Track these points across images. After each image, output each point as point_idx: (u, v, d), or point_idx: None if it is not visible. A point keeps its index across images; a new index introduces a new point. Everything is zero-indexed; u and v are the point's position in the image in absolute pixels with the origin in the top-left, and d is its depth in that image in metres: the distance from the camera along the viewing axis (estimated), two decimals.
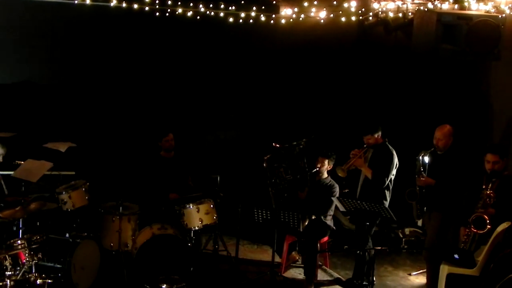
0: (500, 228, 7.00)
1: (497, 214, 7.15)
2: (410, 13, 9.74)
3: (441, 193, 7.86)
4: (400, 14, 9.88)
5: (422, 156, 7.97)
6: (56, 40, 10.74)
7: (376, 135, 8.39)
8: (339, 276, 8.82)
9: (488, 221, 7.09)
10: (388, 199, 8.32)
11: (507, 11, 8.55)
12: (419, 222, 9.58)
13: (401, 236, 10.14)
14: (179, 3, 9.79)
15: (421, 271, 8.98)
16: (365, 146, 8.43)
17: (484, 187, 7.34)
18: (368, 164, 8.41)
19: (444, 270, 7.19)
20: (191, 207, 8.32)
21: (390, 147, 8.38)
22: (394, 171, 8.32)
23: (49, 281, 6.82)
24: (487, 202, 7.24)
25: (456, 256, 7.12)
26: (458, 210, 7.90)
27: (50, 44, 10.75)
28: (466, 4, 8.69)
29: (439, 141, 7.92)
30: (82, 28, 10.65)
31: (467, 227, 7.31)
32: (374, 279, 7.62)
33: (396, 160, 8.31)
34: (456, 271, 7.12)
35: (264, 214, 7.83)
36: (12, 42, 10.59)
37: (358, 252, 8.07)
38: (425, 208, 8.07)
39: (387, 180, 8.25)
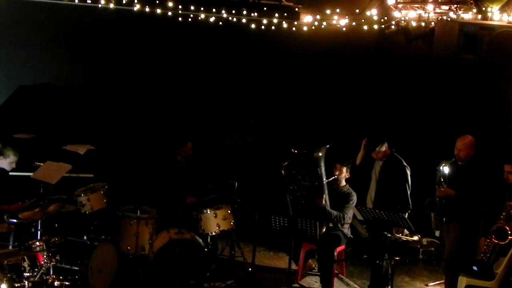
0: None
1: None
2: (432, 23, 9.69)
3: (461, 204, 7.80)
4: (422, 24, 9.84)
5: (442, 167, 7.91)
6: (79, 42, 10.78)
7: (383, 148, 8.36)
8: (356, 286, 8.77)
9: (509, 232, 7.03)
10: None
11: None
12: (437, 233, 9.50)
13: (419, 246, 10.07)
14: (202, 8, 9.82)
15: (438, 282, 8.93)
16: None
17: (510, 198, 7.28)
18: (379, 177, 8.38)
19: (463, 281, 7.14)
20: (208, 212, 8.33)
21: (399, 157, 8.35)
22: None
23: (67, 283, 6.83)
24: (510, 214, 7.18)
25: (474, 268, 7.07)
26: (478, 221, 7.85)
27: (72, 46, 10.80)
28: (489, 14, 8.63)
29: (461, 152, 7.85)
30: (105, 32, 10.69)
31: (488, 237, 7.25)
32: None
33: (409, 171, 8.28)
34: (475, 283, 7.06)
35: (281, 221, 7.81)
36: (34, 44, 10.65)
37: (377, 262, 8.01)
38: (444, 218, 8.02)
39: (409, 189, 8.22)
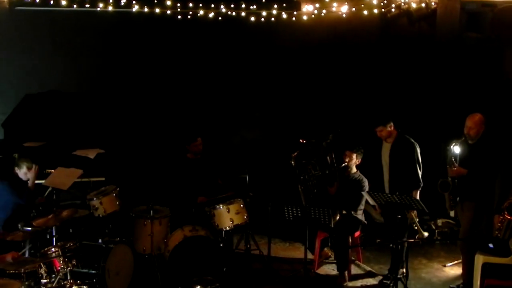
0: None
1: None
2: (433, 3, 9.64)
3: (473, 182, 7.76)
4: (423, 5, 9.79)
5: (453, 146, 7.88)
6: (81, 47, 10.84)
7: (388, 127, 8.30)
8: (374, 271, 8.77)
9: None
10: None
11: None
12: (452, 213, 9.49)
13: (434, 227, 10.05)
14: (200, 5, 9.82)
15: (456, 262, 8.91)
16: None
17: None
18: (390, 159, 8.34)
19: (479, 259, 7.11)
20: (221, 207, 8.32)
21: (407, 136, 8.30)
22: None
23: (85, 287, 6.87)
24: None
25: (490, 245, 7.04)
26: (491, 198, 7.81)
27: (76, 52, 10.85)
28: None
29: (471, 130, 7.81)
30: (106, 35, 10.75)
31: (501, 214, 7.22)
32: (408, 271, 7.57)
33: (418, 148, 8.24)
34: (492, 261, 7.03)
35: (294, 212, 7.79)
36: (38, 52, 10.70)
37: (391, 245, 7.99)
38: (457, 198, 7.99)
39: (420, 170, 8.20)
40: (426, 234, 8.00)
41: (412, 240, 7.46)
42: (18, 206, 7.81)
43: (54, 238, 7.58)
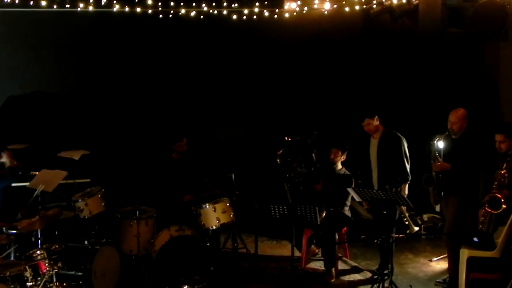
0: None
1: None
2: None
3: (457, 177, 7.81)
4: (404, 0, 9.81)
5: (436, 141, 7.93)
6: (63, 49, 10.78)
7: (375, 120, 8.32)
8: (361, 267, 8.80)
9: (502, 201, 7.05)
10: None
11: None
12: (437, 208, 9.52)
13: (420, 222, 10.09)
14: (182, 3, 9.79)
15: (442, 256, 8.97)
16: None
17: (502, 167, 7.30)
18: (378, 155, 8.37)
19: (464, 254, 7.14)
20: (207, 207, 8.32)
21: (393, 131, 8.33)
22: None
23: None
24: (501, 182, 7.20)
25: (475, 239, 7.07)
26: (476, 193, 7.86)
27: (58, 53, 10.79)
28: None
29: (454, 125, 7.86)
30: (88, 35, 10.70)
31: (483, 208, 7.27)
32: (394, 267, 7.61)
33: (405, 142, 8.27)
34: (477, 254, 7.06)
35: (281, 209, 7.80)
36: (20, 54, 10.64)
37: (375, 241, 8.02)
38: (442, 193, 8.03)
39: (408, 163, 8.23)
40: (416, 228, 8.04)
41: (397, 235, 7.48)
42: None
43: (39, 241, 7.52)
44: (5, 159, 8.67)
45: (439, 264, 8.96)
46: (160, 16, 10.09)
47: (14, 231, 7.22)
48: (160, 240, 8.02)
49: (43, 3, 9.40)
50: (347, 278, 8.51)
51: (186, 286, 7.01)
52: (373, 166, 8.51)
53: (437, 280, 8.32)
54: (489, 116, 9.29)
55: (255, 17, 10.18)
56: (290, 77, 11.07)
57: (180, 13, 9.99)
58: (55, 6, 9.50)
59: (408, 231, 7.96)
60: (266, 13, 10.14)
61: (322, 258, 8.71)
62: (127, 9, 9.73)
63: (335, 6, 10.10)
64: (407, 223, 7.93)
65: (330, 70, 11.01)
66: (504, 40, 8.76)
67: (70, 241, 8.04)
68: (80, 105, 10.79)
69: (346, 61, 10.95)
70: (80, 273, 7.76)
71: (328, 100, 10.98)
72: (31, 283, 6.51)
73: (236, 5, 9.85)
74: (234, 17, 10.16)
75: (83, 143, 9.49)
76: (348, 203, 8.80)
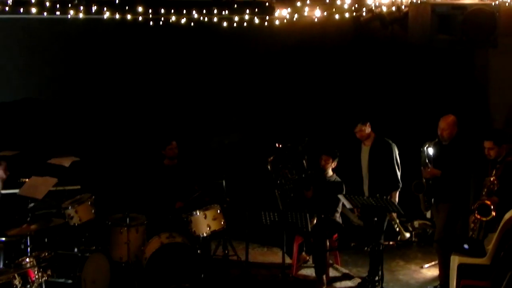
0: (508, 215, 6.94)
1: (501, 201, 7.12)
2: (404, 7, 9.70)
3: (447, 183, 7.83)
4: (394, 8, 9.85)
5: (427, 148, 7.94)
6: (54, 55, 10.77)
7: (367, 127, 8.35)
8: (351, 274, 8.80)
9: (492, 207, 7.06)
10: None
11: None
12: (428, 214, 9.54)
13: (411, 229, 10.10)
14: (172, 10, 9.78)
15: (433, 263, 8.97)
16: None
17: (492, 173, 7.32)
18: (369, 162, 8.38)
19: (455, 261, 7.15)
20: (198, 214, 8.29)
21: (384, 138, 8.36)
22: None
23: None
24: (491, 189, 7.23)
25: (465, 246, 7.09)
26: (466, 199, 7.88)
27: (48, 60, 10.78)
28: None
29: (444, 131, 7.88)
30: (79, 42, 10.69)
31: (473, 214, 7.29)
32: (385, 273, 7.60)
33: (396, 149, 8.30)
34: (467, 261, 7.08)
35: (271, 216, 7.79)
36: (10, 61, 10.62)
37: (365, 248, 8.03)
38: (432, 199, 8.04)
39: (399, 171, 8.25)
40: (407, 235, 8.06)
41: (387, 242, 7.49)
42: None
43: (28, 248, 7.49)
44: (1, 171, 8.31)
45: (430, 271, 8.96)
46: (151, 23, 10.08)
47: (3, 239, 7.19)
48: (151, 248, 7.99)
49: (34, 10, 9.36)
50: (338, 285, 8.51)
51: None
52: (364, 173, 8.53)
53: (428, 287, 8.32)
54: (479, 123, 9.32)
55: (245, 24, 10.18)
56: (281, 83, 11.09)
57: (170, 20, 9.98)
58: (45, 13, 9.48)
59: (399, 238, 7.96)
60: (257, 20, 10.14)
61: (313, 265, 8.70)
62: (117, 16, 9.71)
63: (326, 13, 10.12)
64: (398, 230, 7.94)
65: (321, 77, 11.03)
66: (493, 47, 8.81)
67: (60, 249, 8.02)
68: (71, 111, 10.78)
69: (336, 68, 10.98)
70: (70, 281, 7.76)
71: (319, 107, 10.99)
72: None
73: (227, 12, 9.84)
74: (225, 24, 10.16)
75: (73, 149, 9.45)
76: (339, 209, 8.80)
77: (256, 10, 9.87)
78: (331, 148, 8.89)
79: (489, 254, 6.96)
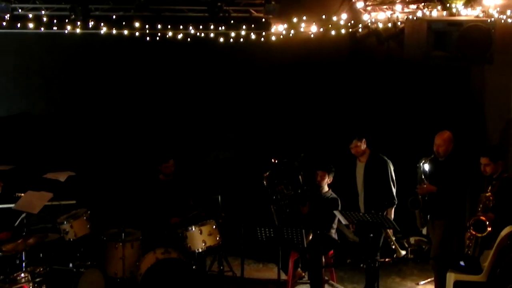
0: (504, 232, 6.97)
1: (497, 217, 7.12)
2: (399, 23, 9.75)
3: (443, 200, 7.82)
4: (390, 24, 9.90)
5: (422, 164, 7.96)
6: (50, 70, 10.78)
7: (362, 143, 8.37)
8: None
9: (487, 224, 7.06)
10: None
11: (496, 15, 8.59)
12: (424, 231, 9.53)
13: (407, 245, 10.08)
14: (169, 26, 9.81)
15: (429, 280, 8.94)
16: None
17: (487, 190, 7.33)
18: (364, 178, 8.39)
19: (451, 278, 7.16)
20: (193, 229, 8.28)
21: (380, 154, 8.37)
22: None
23: None
24: (487, 205, 7.23)
25: (461, 263, 7.08)
26: (462, 216, 7.88)
27: (45, 74, 10.79)
28: (454, 10, 8.71)
29: (440, 148, 7.89)
30: (75, 57, 10.70)
31: (468, 231, 7.29)
32: None
33: (391, 165, 8.31)
34: (463, 278, 7.08)
35: (267, 232, 7.76)
36: (6, 75, 10.62)
37: (361, 265, 8.01)
38: (428, 216, 8.04)
39: (394, 187, 8.26)
40: (403, 252, 8.04)
41: (383, 259, 7.47)
42: None
43: (23, 263, 7.48)
44: None
45: None
46: (148, 38, 10.11)
47: None
48: (146, 263, 7.97)
49: (31, 25, 9.40)
50: None
51: None
52: (359, 189, 8.53)
53: None
54: (475, 139, 9.34)
55: (242, 39, 10.21)
56: (277, 99, 11.09)
57: (167, 36, 10.02)
58: (42, 28, 9.51)
59: (395, 255, 7.95)
60: (253, 36, 10.17)
61: (309, 281, 8.66)
62: (114, 31, 9.74)
63: (322, 29, 10.17)
64: (394, 247, 7.93)
65: (317, 93, 11.04)
66: (489, 64, 8.84)
67: (55, 264, 7.99)
68: (67, 126, 10.75)
69: (333, 84, 11.00)
70: None
71: (315, 123, 11.00)
72: None
73: (223, 27, 9.88)
74: (221, 39, 10.19)
75: (69, 164, 9.45)
76: (335, 225, 8.78)
77: (253, 25, 9.90)
78: (327, 163, 8.90)
79: (485, 271, 6.96)
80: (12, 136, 10.51)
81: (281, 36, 10.32)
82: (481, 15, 8.69)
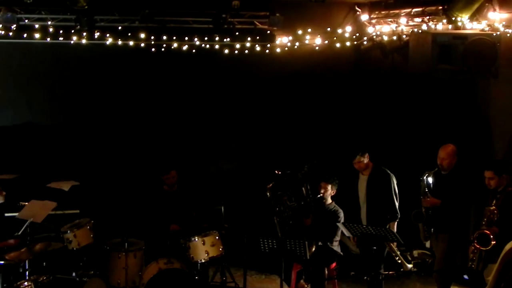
0: (508, 246, 6.90)
1: (502, 231, 7.10)
2: (404, 36, 9.76)
3: (447, 213, 7.81)
4: (395, 37, 9.91)
5: (426, 177, 7.95)
6: (55, 80, 10.82)
7: (365, 158, 8.37)
8: None
9: (491, 237, 7.04)
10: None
11: (501, 29, 8.59)
12: (427, 244, 9.50)
13: (410, 258, 10.03)
14: (174, 37, 9.85)
15: None
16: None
17: (492, 203, 7.32)
18: (367, 191, 8.39)
19: None
20: (196, 240, 8.29)
21: (383, 167, 8.37)
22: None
23: None
24: (491, 219, 7.21)
25: (465, 276, 7.05)
26: (466, 229, 7.85)
27: (50, 84, 10.84)
28: (460, 24, 8.71)
29: (443, 161, 7.89)
30: (81, 67, 10.75)
31: (472, 244, 7.27)
32: None
33: (394, 179, 8.30)
34: None
35: (270, 243, 7.76)
36: (12, 85, 10.66)
37: (365, 278, 7.98)
38: (432, 229, 8.02)
39: (397, 201, 8.25)
40: (410, 266, 8.00)
41: (387, 272, 7.45)
42: None
43: (27, 272, 7.49)
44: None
45: None
46: (153, 49, 10.15)
47: (2, 262, 7.16)
48: (149, 273, 7.96)
49: (37, 35, 9.45)
50: None
51: None
52: (361, 202, 8.54)
53: None
54: (480, 153, 9.32)
55: (246, 51, 10.24)
56: (281, 111, 11.11)
57: (172, 47, 10.06)
58: (48, 39, 9.55)
59: (402, 269, 7.92)
60: (258, 48, 10.21)
61: None
62: (120, 42, 9.78)
63: (326, 41, 10.20)
64: (399, 261, 7.89)
65: (321, 105, 11.05)
66: (494, 77, 8.83)
67: (58, 273, 8.00)
68: (71, 136, 10.78)
69: (337, 96, 11.01)
70: None
71: (319, 135, 11.00)
72: None
73: (228, 39, 9.91)
74: (226, 51, 10.23)
75: (73, 174, 9.46)
76: (338, 238, 8.76)
77: (258, 37, 9.94)
78: (330, 175, 8.89)
79: (489, 285, 6.91)
80: (16, 145, 10.54)
81: (286, 48, 10.35)
82: (486, 28, 8.68)
